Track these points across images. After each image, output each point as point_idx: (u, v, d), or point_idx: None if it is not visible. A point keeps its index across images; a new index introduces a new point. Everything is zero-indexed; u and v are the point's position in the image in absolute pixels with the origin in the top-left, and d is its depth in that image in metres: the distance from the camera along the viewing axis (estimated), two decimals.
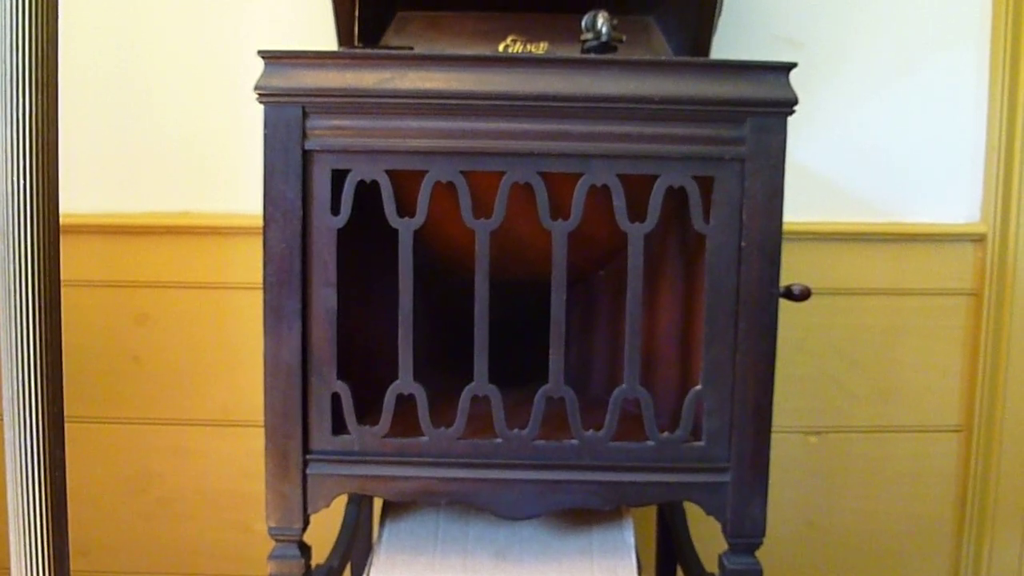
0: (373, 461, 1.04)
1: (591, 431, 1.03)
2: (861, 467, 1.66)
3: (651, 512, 1.53)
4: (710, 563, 1.17)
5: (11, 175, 0.77)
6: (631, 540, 1.15)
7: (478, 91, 0.98)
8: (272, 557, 1.05)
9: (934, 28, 1.57)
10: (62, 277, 0.85)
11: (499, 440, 1.04)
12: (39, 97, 0.77)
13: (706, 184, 1.00)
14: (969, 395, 1.63)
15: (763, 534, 1.05)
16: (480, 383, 1.02)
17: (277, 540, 1.05)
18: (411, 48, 1.33)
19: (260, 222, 1.00)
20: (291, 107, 0.98)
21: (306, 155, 0.99)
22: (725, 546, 1.06)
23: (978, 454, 1.64)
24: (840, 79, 1.57)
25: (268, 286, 1.00)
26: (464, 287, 1.02)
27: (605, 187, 0.99)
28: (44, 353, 0.81)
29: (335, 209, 0.99)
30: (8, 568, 0.86)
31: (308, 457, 1.03)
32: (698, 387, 1.02)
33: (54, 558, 0.83)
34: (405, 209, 1.00)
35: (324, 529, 1.28)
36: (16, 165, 0.77)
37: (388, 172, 0.99)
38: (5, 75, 0.76)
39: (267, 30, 1.55)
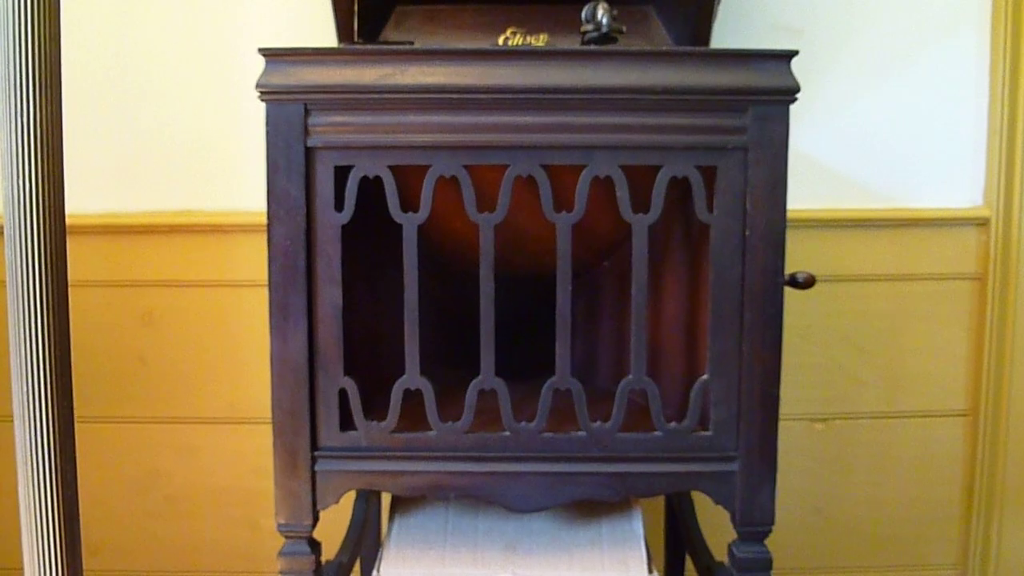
0: (381, 456, 1.04)
1: (598, 423, 1.04)
2: (868, 453, 1.66)
3: (659, 502, 1.54)
4: (719, 552, 1.17)
5: (17, 178, 0.77)
6: (640, 530, 1.15)
7: (479, 85, 0.97)
8: (282, 554, 1.05)
9: (935, 12, 1.56)
10: None
11: (507, 433, 1.04)
12: (43, 100, 0.77)
13: (709, 174, 0.99)
14: (975, 379, 1.63)
15: (772, 522, 1.05)
16: (487, 377, 1.02)
17: (287, 537, 1.06)
18: (411, 42, 1.33)
19: (262, 219, 1.00)
20: (293, 104, 0.98)
21: (309, 152, 0.99)
22: (734, 534, 1.07)
23: (985, 438, 1.64)
24: (841, 66, 1.56)
25: (273, 284, 1.01)
26: (469, 280, 1.03)
27: (608, 178, 0.99)
28: (53, 354, 0.81)
29: (339, 206, 1.00)
30: (21, 568, 0.86)
31: (316, 454, 1.04)
32: (705, 377, 1.03)
33: (66, 558, 0.84)
34: (409, 204, 1.00)
35: (333, 525, 1.29)
36: (22, 168, 0.77)
37: (391, 167, 0.99)
38: (9, 79, 0.76)
39: (266, 27, 1.55)
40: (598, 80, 0.97)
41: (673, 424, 1.04)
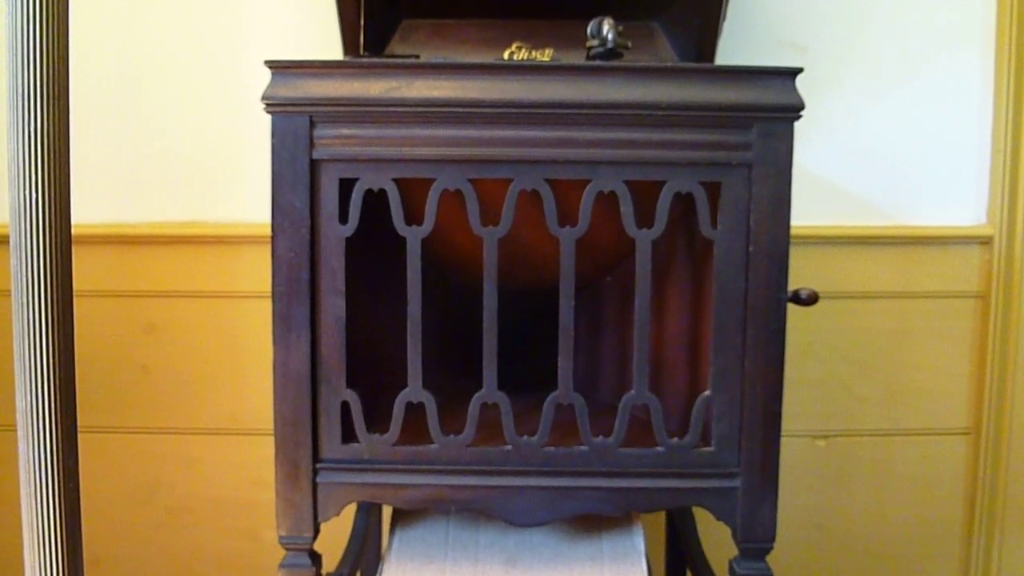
0: (383, 469, 1.04)
1: (600, 437, 1.04)
2: (870, 470, 1.65)
3: (661, 517, 1.53)
4: (721, 568, 1.17)
5: (24, 189, 0.77)
6: (641, 546, 1.15)
7: (485, 99, 0.98)
8: (283, 566, 1.05)
9: (938, 30, 1.57)
10: None
11: (509, 447, 1.04)
12: (51, 110, 0.77)
13: (713, 190, 1.00)
14: (977, 397, 1.63)
15: (773, 539, 1.05)
16: (489, 390, 1.02)
17: (287, 549, 1.06)
18: (417, 56, 1.34)
19: (266, 230, 1.01)
20: (298, 117, 0.98)
21: (314, 164, 0.99)
22: (735, 551, 1.06)
23: (987, 456, 1.63)
24: (845, 83, 1.57)
25: (277, 295, 1.01)
26: (472, 292, 1.03)
27: (612, 194, 0.99)
28: (57, 364, 0.82)
29: (343, 218, 1.00)
30: None
31: (318, 466, 1.04)
32: (707, 392, 1.03)
33: (69, 568, 0.84)
34: (413, 217, 1.00)
35: (334, 537, 1.29)
36: (29, 179, 0.77)
37: (396, 180, 0.99)
38: (18, 91, 0.77)
39: (272, 40, 1.55)
40: (603, 95, 0.98)
41: (675, 439, 1.04)
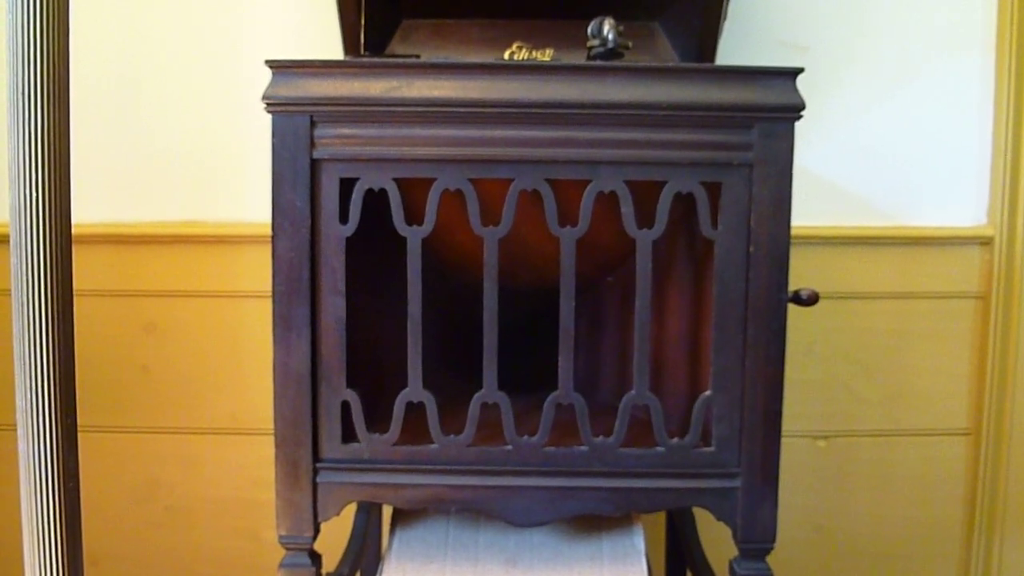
0: (383, 469, 1.04)
1: (600, 437, 1.03)
2: (870, 471, 1.65)
3: (661, 518, 1.53)
4: (721, 568, 1.17)
5: (24, 188, 0.77)
6: (641, 546, 1.15)
7: (485, 99, 0.98)
8: (283, 566, 1.05)
9: (938, 31, 1.57)
10: None
11: (509, 447, 1.04)
12: (51, 111, 0.78)
13: (714, 190, 1.00)
14: (977, 398, 1.63)
15: (774, 539, 1.05)
16: (489, 390, 1.02)
17: (287, 548, 1.05)
18: (417, 56, 1.34)
19: (266, 230, 1.01)
20: (299, 116, 0.98)
21: (314, 164, 0.99)
22: (735, 551, 1.06)
23: (987, 457, 1.63)
24: (846, 83, 1.57)
25: (277, 295, 1.01)
26: (472, 292, 1.03)
27: (613, 194, 0.99)
28: (57, 363, 0.82)
29: (343, 218, 1.00)
30: None
31: (318, 465, 1.04)
32: (707, 393, 1.02)
33: (68, 568, 0.84)
34: (413, 217, 1.00)
35: (334, 537, 1.28)
36: (29, 178, 0.77)
37: (396, 180, 0.99)
38: (18, 89, 0.77)
39: (272, 40, 1.55)
40: (603, 95, 0.98)
41: (675, 440, 1.04)
